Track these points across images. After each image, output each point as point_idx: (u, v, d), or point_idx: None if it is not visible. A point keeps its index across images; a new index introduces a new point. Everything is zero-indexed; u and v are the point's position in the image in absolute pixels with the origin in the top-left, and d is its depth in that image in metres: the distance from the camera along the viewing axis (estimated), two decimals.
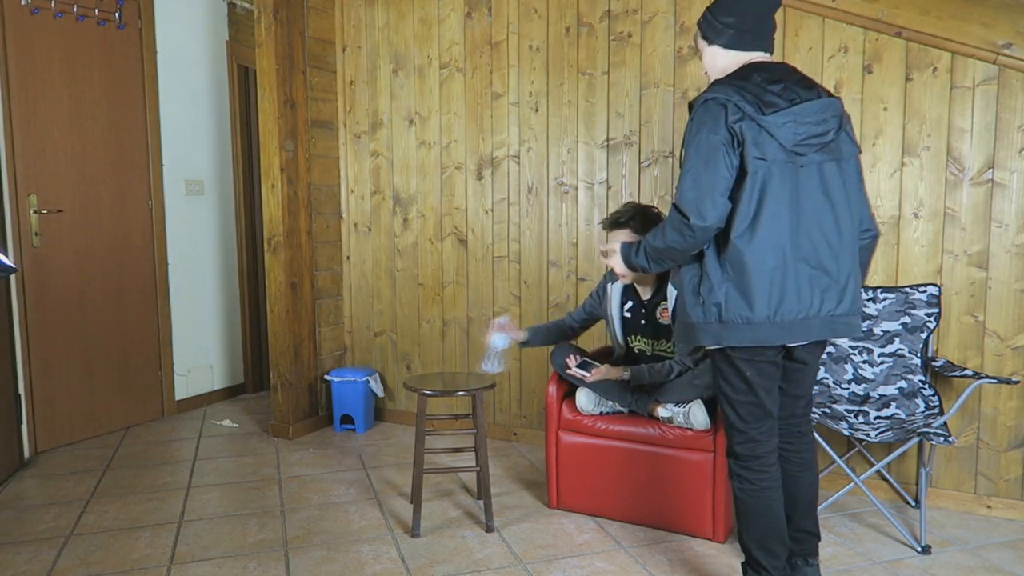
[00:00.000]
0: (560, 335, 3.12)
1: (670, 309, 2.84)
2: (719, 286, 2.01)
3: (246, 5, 4.66)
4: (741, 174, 1.97)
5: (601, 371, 2.84)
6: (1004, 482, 2.97)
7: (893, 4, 2.95)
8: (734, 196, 1.98)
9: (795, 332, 2.01)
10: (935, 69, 2.94)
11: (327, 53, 4.17)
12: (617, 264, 2.29)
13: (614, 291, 3.01)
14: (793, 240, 1.98)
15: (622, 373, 2.85)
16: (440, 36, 3.94)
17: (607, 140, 3.58)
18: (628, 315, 3.00)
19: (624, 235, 2.76)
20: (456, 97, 3.92)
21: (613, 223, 2.82)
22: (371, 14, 4.11)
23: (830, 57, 3.10)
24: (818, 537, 2.31)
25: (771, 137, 1.96)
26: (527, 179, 3.79)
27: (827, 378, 3.01)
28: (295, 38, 3.94)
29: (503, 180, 3.85)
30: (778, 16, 3.15)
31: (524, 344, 3.06)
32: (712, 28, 2.15)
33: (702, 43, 2.20)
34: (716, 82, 2.07)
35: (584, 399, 2.91)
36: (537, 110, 3.72)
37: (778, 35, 3.17)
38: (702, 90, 3.32)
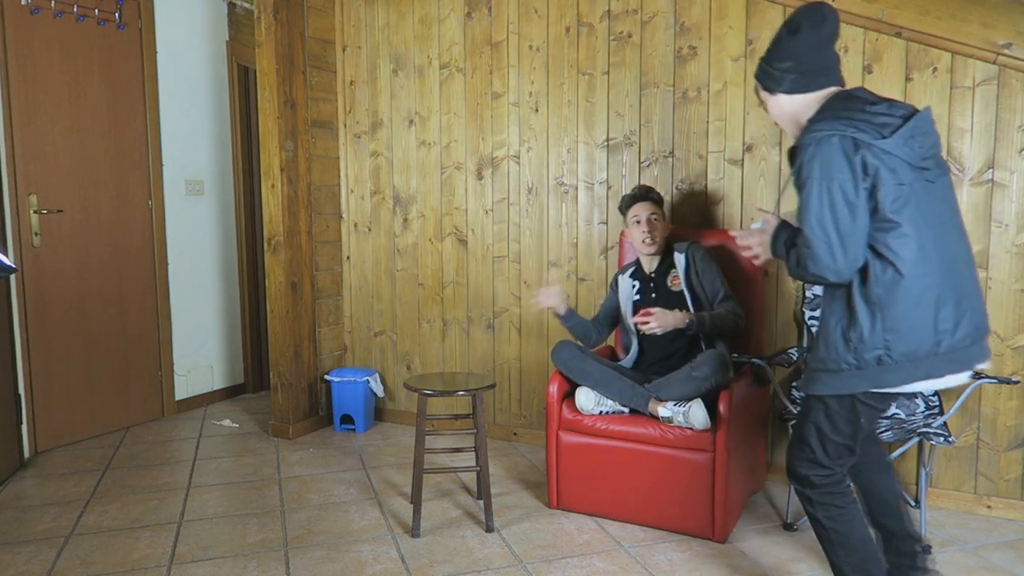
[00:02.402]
0: (584, 332, 3.19)
1: (681, 277, 2.98)
2: (873, 326, 1.84)
3: (246, 5, 4.66)
4: (874, 206, 1.82)
5: (660, 316, 2.83)
6: (1004, 482, 2.97)
7: (893, 4, 2.95)
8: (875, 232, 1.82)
9: (959, 362, 1.86)
10: (935, 69, 2.94)
11: (327, 53, 4.17)
12: (764, 251, 2.10)
13: (624, 280, 3.15)
14: (942, 264, 1.83)
15: (685, 319, 2.85)
16: (440, 36, 3.94)
17: (607, 140, 3.58)
18: (638, 297, 3.09)
19: (652, 206, 3.03)
20: (456, 97, 3.92)
21: (646, 195, 3.05)
22: (371, 14, 4.11)
23: None
24: (917, 539, 2.20)
25: (899, 160, 1.80)
26: (527, 179, 3.78)
27: None
28: (295, 38, 3.94)
29: (503, 180, 3.85)
30: (777, 16, 3.17)
31: (560, 317, 3.16)
32: (770, 77, 2.03)
33: (764, 94, 2.07)
34: (814, 120, 1.89)
35: (584, 398, 2.91)
36: (537, 110, 3.72)
37: None
38: (690, 90, 3.34)
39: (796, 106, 2.00)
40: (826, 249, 1.82)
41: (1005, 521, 2.94)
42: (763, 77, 2.05)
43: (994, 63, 2.85)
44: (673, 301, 2.99)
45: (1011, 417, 2.93)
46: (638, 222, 3.04)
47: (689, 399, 2.74)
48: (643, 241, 3.03)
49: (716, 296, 2.96)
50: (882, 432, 2.69)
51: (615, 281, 3.22)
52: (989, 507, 2.99)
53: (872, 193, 1.81)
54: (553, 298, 3.10)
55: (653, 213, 3.04)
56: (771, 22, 3.19)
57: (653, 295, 3.06)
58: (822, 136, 1.82)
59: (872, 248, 1.84)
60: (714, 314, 2.88)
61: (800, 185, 1.87)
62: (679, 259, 3.01)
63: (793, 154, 1.94)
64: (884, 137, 1.80)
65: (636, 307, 3.07)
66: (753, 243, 2.13)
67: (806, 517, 2.88)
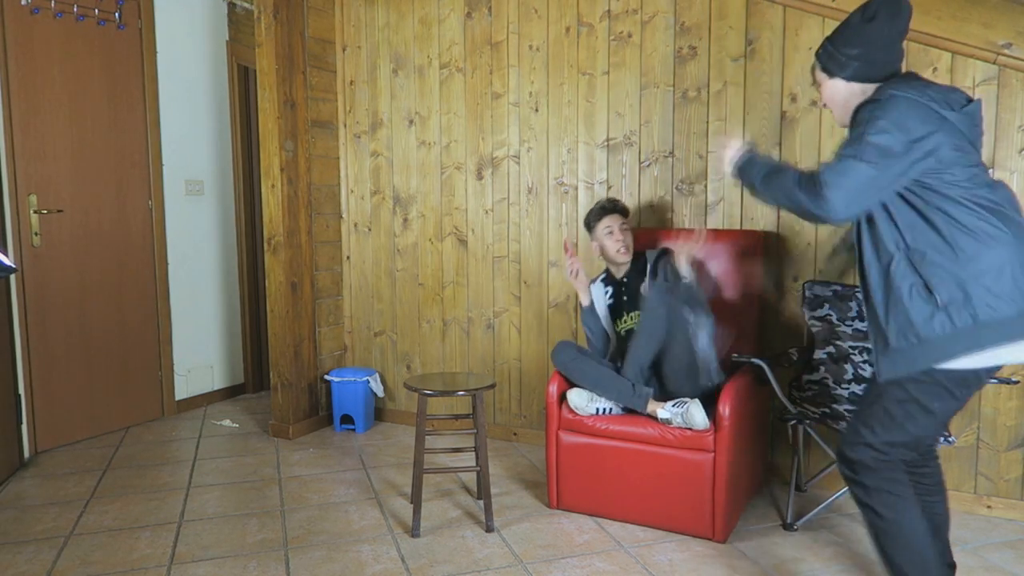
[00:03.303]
0: (601, 338, 3.17)
1: (648, 282, 3.03)
2: (967, 281, 1.79)
3: (246, 5, 4.66)
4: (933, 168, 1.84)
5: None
6: (1004, 482, 2.97)
7: None
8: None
9: None
10: (935, 69, 2.94)
11: (327, 53, 4.17)
12: (725, 162, 2.14)
13: (597, 288, 3.20)
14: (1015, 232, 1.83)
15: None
16: (440, 36, 3.94)
17: (607, 140, 3.58)
18: (611, 301, 3.16)
19: (620, 218, 3.08)
20: (456, 97, 3.92)
21: (615, 208, 3.10)
22: (371, 14, 4.11)
23: None
24: (953, 568, 2.15)
25: (961, 133, 1.84)
26: (527, 179, 3.78)
27: (827, 378, 3.01)
28: (295, 38, 3.94)
29: (503, 180, 3.85)
30: (777, 16, 3.18)
31: (583, 308, 3.15)
32: (834, 60, 2.00)
33: (821, 75, 2.05)
34: (889, 82, 1.91)
35: (576, 397, 2.91)
36: (537, 110, 3.72)
37: (778, 35, 3.18)
38: (690, 90, 3.34)
39: (852, 93, 2.00)
40: (846, 191, 1.82)
41: (1005, 521, 2.94)
42: (826, 59, 2.03)
43: (994, 63, 2.85)
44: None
45: (1011, 417, 2.93)
46: (610, 233, 3.07)
47: (658, 339, 2.78)
48: (618, 251, 3.07)
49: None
50: None
51: (591, 290, 3.22)
52: (989, 507, 2.99)
53: (931, 156, 1.82)
54: (582, 280, 3.11)
55: (623, 224, 3.09)
56: (771, 22, 3.19)
57: (625, 298, 3.12)
58: (897, 94, 1.84)
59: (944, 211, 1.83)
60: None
61: (862, 132, 1.85)
62: (649, 265, 3.06)
63: (858, 111, 1.93)
64: (953, 109, 1.84)
65: (611, 310, 3.15)
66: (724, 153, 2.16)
67: (804, 518, 2.89)
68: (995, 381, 2.65)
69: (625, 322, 3.09)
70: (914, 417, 1.91)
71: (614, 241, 3.07)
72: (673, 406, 2.75)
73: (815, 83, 2.14)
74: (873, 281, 1.94)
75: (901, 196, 1.88)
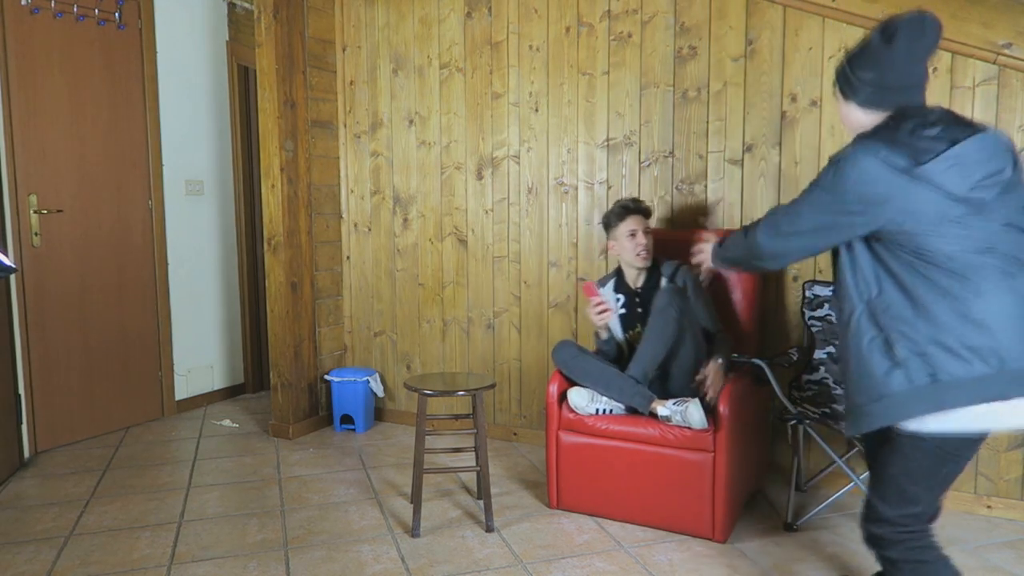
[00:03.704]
0: (613, 350, 3.12)
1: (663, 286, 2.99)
2: (927, 335, 1.68)
3: (246, 5, 4.66)
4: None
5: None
6: (1004, 482, 2.97)
7: (893, 4, 2.95)
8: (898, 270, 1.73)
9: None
10: (935, 69, 2.94)
11: (327, 53, 4.17)
12: (707, 261, 2.23)
13: (607, 294, 3.12)
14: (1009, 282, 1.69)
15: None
16: (440, 36, 3.94)
17: (607, 140, 3.58)
18: (624, 310, 3.08)
19: (642, 220, 3.01)
20: (456, 97, 3.92)
21: (637, 208, 3.04)
22: (371, 14, 4.11)
23: (830, 57, 3.10)
24: None
25: (936, 188, 1.66)
26: (527, 179, 3.78)
27: (827, 378, 3.01)
28: (295, 38, 3.94)
29: (503, 180, 3.85)
30: (777, 16, 3.17)
31: (601, 341, 3.07)
32: (848, 83, 1.86)
33: (839, 96, 1.93)
34: (861, 136, 1.79)
35: (576, 396, 2.91)
36: (537, 110, 3.72)
37: (778, 35, 3.18)
38: (690, 90, 3.34)
39: (865, 120, 1.85)
40: (784, 242, 1.90)
41: (1005, 521, 2.94)
42: (842, 80, 1.90)
43: (994, 63, 2.85)
44: None
45: None
46: (632, 235, 2.99)
47: (667, 342, 2.78)
48: (638, 255, 2.99)
49: (706, 326, 2.96)
50: None
51: (597, 291, 3.12)
52: (989, 507, 2.99)
53: (900, 213, 1.69)
54: (609, 314, 3.01)
55: (646, 227, 3.02)
56: (771, 22, 3.19)
57: (639, 310, 3.03)
58: (858, 150, 1.73)
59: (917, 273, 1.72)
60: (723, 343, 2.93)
61: (813, 181, 1.84)
62: (664, 280, 3.01)
63: (832, 160, 1.86)
64: (921, 163, 1.66)
65: (623, 320, 3.06)
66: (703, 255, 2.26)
67: (804, 518, 2.89)
68: None
69: (639, 333, 3.02)
70: (926, 483, 1.81)
71: (635, 244, 2.99)
72: (674, 404, 2.74)
73: (836, 98, 2.02)
74: (840, 330, 1.87)
75: (866, 243, 1.78)
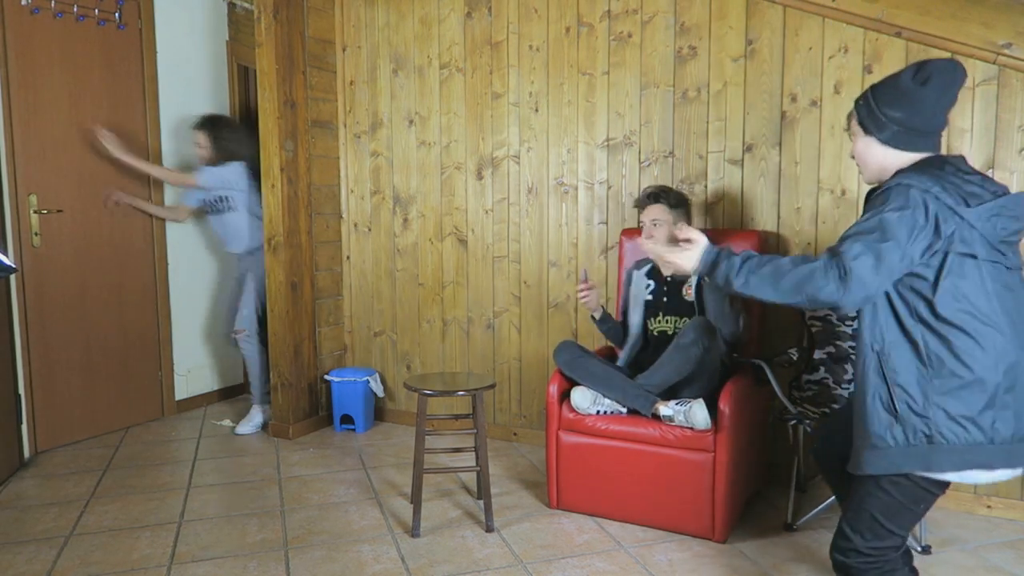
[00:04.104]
0: (617, 336, 3.19)
1: (693, 287, 2.97)
2: (931, 398, 1.71)
3: (246, 5, 4.66)
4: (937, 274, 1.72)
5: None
6: (1004, 482, 2.97)
7: (893, 4, 2.95)
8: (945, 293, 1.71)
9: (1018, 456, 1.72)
10: None
11: (327, 53, 4.17)
12: (688, 260, 1.91)
13: (639, 276, 3.13)
14: (1018, 346, 1.72)
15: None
16: (440, 36, 3.94)
17: (607, 140, 3.58)
18: (651, 297, 3.08)
19: (659, 210, 2.92)
20: (456, 97, 3.92)
21: (652, 197, 2.98)
22: (371, 14, 4.11)
23: (830, 57, 3.10)
24: None
25: (978, 233, 1.69)
26: (527, 179, 3.78)
27: (827, 378, 3.01)
28: (295, 38, 3.94)
29: (503, 180, 3.85)
30: (777, 16, 3.18)
31: (595, 321, 3.16)
32: (873, 118, 1.84)
33: (857, 129, 1.90)
34: (902, 171, 1.79)
35: (579, 397, 2.91)
36: (537, 110, 3.72)
37: (778, 35, 3.18)
38: (690, 90, 3.34)
39: (883, 160, 1.86)
40: (870, 273, 1.69)
41: (1005, 521, 2.94)
42: (865, 113, 1.87)
43: (994, 63, 2.85)
44: (684, 309, 3.00)
45: None
46: (644, 226, 3.02)
47: (681, 374, 2.75)
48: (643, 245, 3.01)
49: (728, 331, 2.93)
50: None
51: (628, 275, 3.20)
52: (989, 507, 2.99)
53: (938, 257, 1.71)
54: (593, 299, 3.07)
55: (655, 219, 2.98)
56: (771, 22, 3.19)
57: (665, 299, 3.05)
58: (909, 185, 1.72)
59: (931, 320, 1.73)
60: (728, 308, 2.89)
61: (868, 213, 1.76)
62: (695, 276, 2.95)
63: (871, 195, 1.85)
64: (968, 206, 1.69)
65: (647, 307, 3.08)
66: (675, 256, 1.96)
67: (804, 518, 2.89)
68: None
69: (660, 323, 3.04)
70: (901, 520, 1.83)
71: (645, 236, 2.99)
72: (677, 404, 2.74)
73: (849, 130, 1.97)
74: (855, 375, 1.88)
75: (887, 296, 1.77)
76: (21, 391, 3.63)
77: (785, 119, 3.21)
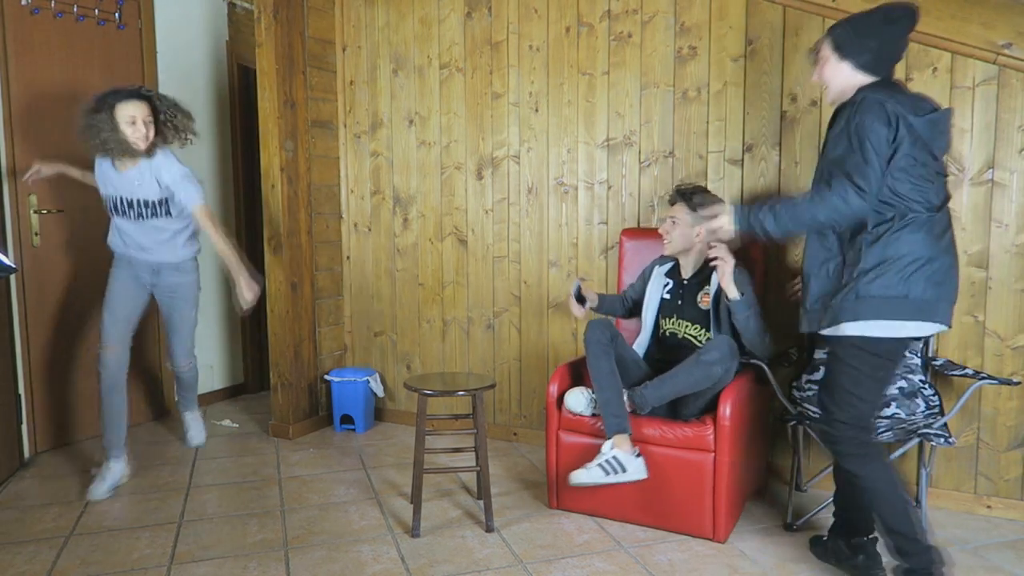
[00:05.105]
0: (613, 308, 3.18)
1: (711, 295, 2.91)
2: (878, 265, 2.15)
3: (246, 5, 4.66)
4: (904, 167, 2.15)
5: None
6: (1004, 482, 2.97)
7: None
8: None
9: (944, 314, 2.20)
10: (935, 69, 2.94)
11: (327, 53, 4.17)
12: (726, 223, 2.35)
13: (658, 273, 3.10)
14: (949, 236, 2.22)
15: (739, 293, 2.76)
16: (440, 36, 3.94)
17: (607, 140, 3.58)
18: (667, 296, 3.05)
19: (678, 209, 2.95)
20: (456, 97, 3.92)
21: (680, 194, 2.97)
22: (371, 14, 4.11)
23: None
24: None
25: (920, 137, 2.11)
26: (527, 179, 3.78)
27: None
28: (295, 38, 3.94)
29: (503, 180, 3.85)
30: (777, 16, 3.18)
31: (595, 310, 3.15)
32: (852, 45, 2.20)
33: (831, 54, 2.25)
34: (864, 89, 2.17)
35: (574, 401, 2.90)
36: (537, 110, 3.72)
37: (777, 35, 3.18)
38: (690, 90, 3.34)
39: (854, 79, 2.22)
40: (856, 190, 2.10)
41: (1005, 521, 2.94)
42: (843, 39, 2.21)
43: (994, 63, 2.85)
44: (698, 316, 2.95)
45: (1011, 417, 2.93)
46: (663, 221, 2.99)
47: (695, 390, 2.70)
48: (663, 239, 3.00)
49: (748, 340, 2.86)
50: (882, 432, 2.69)
51: (649, 270, 3.14)
52: (989, 507, 2.99)
53: (894, 153, 2.12)
54: (588, 302, 3.04)
55: (673, 217, 2.95)
56: (771, 22, 3.19)
57: (680, 302, 3.00)
58: (873, 99, 2.11)
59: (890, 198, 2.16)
60: (758, 315, 2.81)
61: (845, 133, 2.14)
62: (715, 278, 2.86)
63: (837, 112, 2.22)
64: (916, 115, 2.11)
65: (662, 306, 3.04)
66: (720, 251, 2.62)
67: (804, 518, 2.89)
68: (995, 382, 2.65)
69: (672, 324, 3.00)
70: (866, 388, 2.24)
71: (662, 231, 2.98)
72: (623, 452, 2.67)
73: (816, 56, 2.32)
74: (807, 256, 2.32)
75: None
76: (21, 391, 3.64)
77: (785, 119, 3.21)
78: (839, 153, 2.16)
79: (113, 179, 3.23)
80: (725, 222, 2.35)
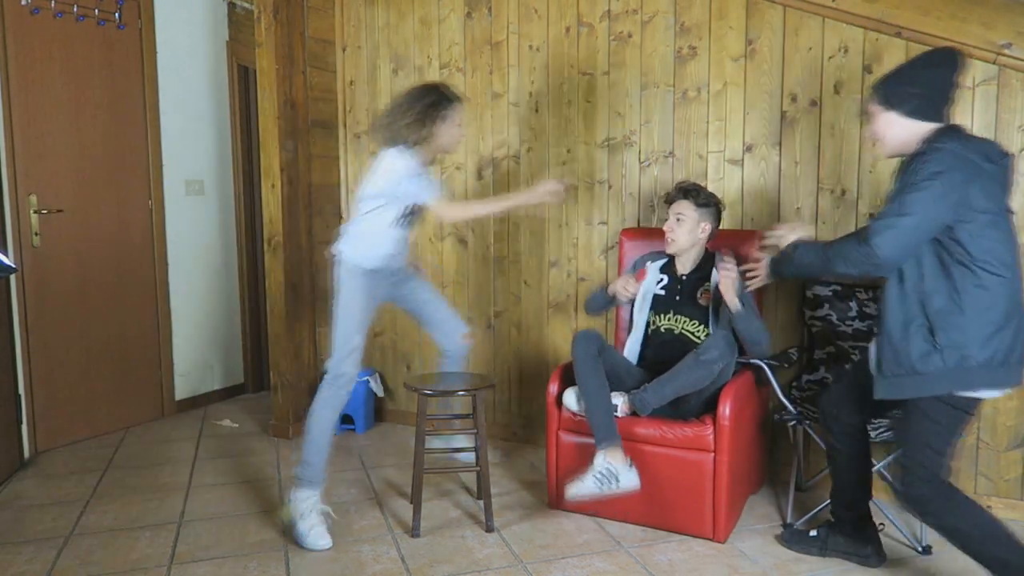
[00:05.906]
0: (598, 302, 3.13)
1: (712, 292, 2.89)
2: (966, 330, 2.07)
3: (246, 5, 4.66)
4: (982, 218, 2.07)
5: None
6: (1004, 482, 2.97)
7: (893, 4, 2.95)
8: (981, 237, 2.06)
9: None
10: None
11: (327, 53, 4.17)
12: (761, 277, 2.56)
13: (652, 270, 3.06)
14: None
15: (739, 305, 2.76)
16: (440, 36, 3.94)
17: (607, 140, 3.58)
18: (661, 292, 3.02)
19: (685, 206, 2.91)
20: None
21: (682, 192, 2.94)
22: (371, 14, 4.11)
23: (830, 57, 3.10)
24: None
25: (996, 184, 2.08)
26: (527, 179, 3.78)
27: (827, 378, 3.02)
28: (295, 38, 3.94)
29: (503, 180, 3.85)
30: (777, 16, 3.18)
31: (600, 291, 3.09)
32: (895, 95, 2.17)
33: (878, 107, 2.21)
34: (932, 139, 2.09)
35: (574, 400, 2.90)
36: (537, 110, 3.72)
37: (777, 35, 3.18)
38: (690, 90, 3.34)
39: (906, 132, 2.17)
40: (890, 239, 2.04)
41: (1005, 521, 2.94)
42: (885, 92, 2.19)
43: (994, 63, 2.85)
44: (697, 313, 2.94)
45: (1011, 417, 2.93)
46: (668, 219, 2.97)
47: (696, 388, 2.70)
48: (665, 237, 2.96)
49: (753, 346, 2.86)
50: (882, 432, 2.69)
51: (641, 263, 3.11)
52: (989, 507, 2.97)
53: (965, 206, 2.03)
54: (631, 288, 2.95)
55: (679, 214, 2.92)
56: (771, 22, 3.19)
57: (677, 298, 2.98)
58: (944, 147, 2.04)
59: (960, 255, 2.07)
60: (758, 316, 2.82)
61: (910, 182, 2.05)
62: (715, 276, 2.86)
63: (906, 162, 2.13)
64: (991, 162, 2.06)
65: (656, 301, 3.02)
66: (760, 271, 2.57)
67: (804, 518, 2.89)
68: None
69: (667, 320, 2.98)
70: (946, 443, 2.19)
71: (667, 229, 2.95)
72: (625, 465, 2.65)
73: (866, 116, 2.34)
74: (889, 314, 2.18)
75: (928, 245, 2.09)
76: (21, 391, 3.63)
77: (785, 119, 3.21)
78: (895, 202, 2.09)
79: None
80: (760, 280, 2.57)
